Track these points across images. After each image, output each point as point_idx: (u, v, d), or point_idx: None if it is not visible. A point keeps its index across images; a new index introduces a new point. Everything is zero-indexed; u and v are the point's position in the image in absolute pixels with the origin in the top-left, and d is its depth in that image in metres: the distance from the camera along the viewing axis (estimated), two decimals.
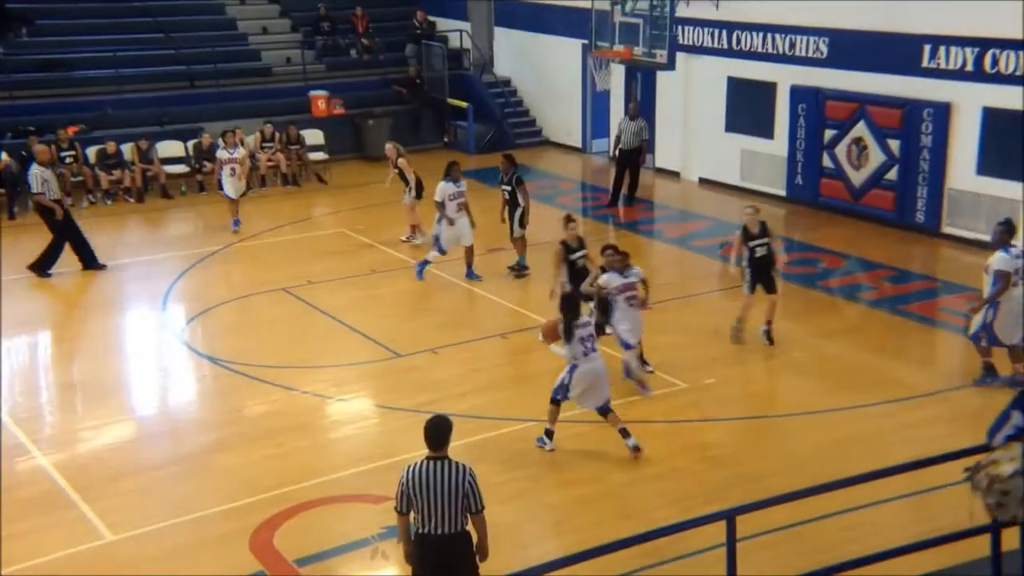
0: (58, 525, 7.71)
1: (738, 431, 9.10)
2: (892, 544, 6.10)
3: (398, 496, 5.73)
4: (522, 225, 12.93)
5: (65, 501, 8.05)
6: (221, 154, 15.19)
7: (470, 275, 12.89)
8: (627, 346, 9.64)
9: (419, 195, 14.23)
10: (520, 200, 12.91)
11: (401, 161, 14.26)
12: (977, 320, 9.40)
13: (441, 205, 12.63)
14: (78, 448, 9.10)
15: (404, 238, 14.47)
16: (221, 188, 15.38)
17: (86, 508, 7.92)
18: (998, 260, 9.09)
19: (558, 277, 10.35)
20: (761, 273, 10.66)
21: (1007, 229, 9.23)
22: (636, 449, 8.46)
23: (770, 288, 10.73)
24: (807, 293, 12.66)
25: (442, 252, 12.81)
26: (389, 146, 14.73)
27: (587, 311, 9.51)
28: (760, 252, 10.57)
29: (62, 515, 7.86)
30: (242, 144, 17.30)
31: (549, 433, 8.71)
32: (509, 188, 12.90)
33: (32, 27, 19.39)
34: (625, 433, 8.49)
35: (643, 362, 10.02)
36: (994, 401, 9.46)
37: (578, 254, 10.37)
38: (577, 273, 10.32)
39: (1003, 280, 8.99)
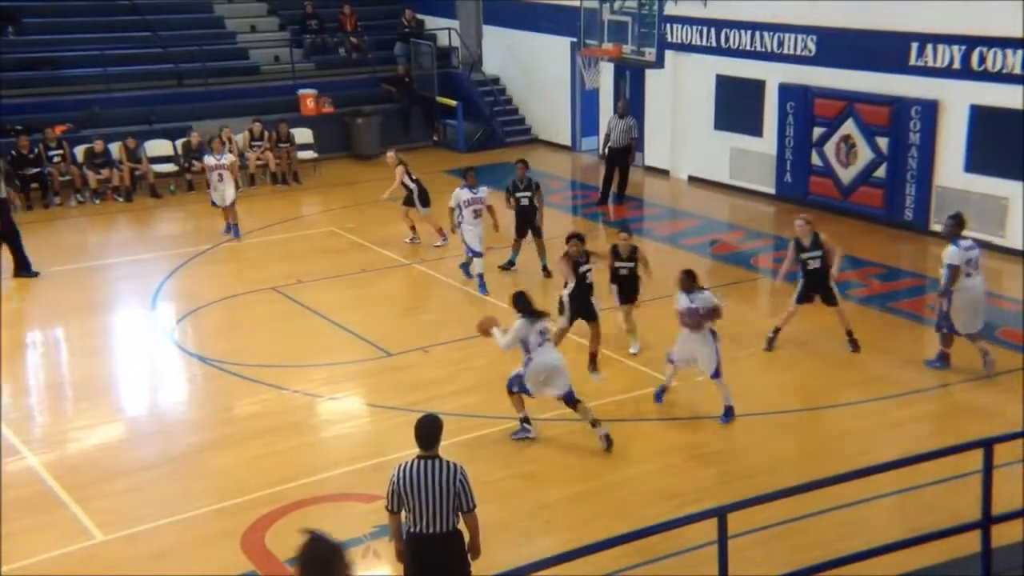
0: (49, 526, 7.68)
1: (728, 429, 9.13)
2: (882, 541, 6.13)
3: (389, 495, 5.73)
4: (541, 226, 12.90)
5: (56, 502, 8.03)
6: (208, 160, 14.63)
7: (465, 271, 12.87)
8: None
9: (425, 203, 13.93)
10: (537, 203, 12.88)
11: (399, 169, 13.91)
12: (937, 311, 9.79)
13: (454, 211, 12.48)
14: (69, 448, 9.07)
15: (408, 240, 14.23)
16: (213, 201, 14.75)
17: (77, 509, 7.90)
18: (948, 254, 9.47)
19: (569, 283, 10.01)
20: (816, 286, 10.38)
21: (956, 223, 9.57)
22: (607, 440, 8.53)
23: (830, 300, 10.46)
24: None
25: (476, 254, 12.41)
26: (390, 155, 14.48)
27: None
28: (813, 264, 10.34)
29: (53, 516, 7.83)
30: (230, 148, 17.25)
31: (524, 420, 8.81)
32: (528, 195, 12.87)
33: (19, 26, 19.29)
34: (596, 424, 8.59)
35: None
36: (983, 397, 9.56)
37: (584, 267, 10.12)
38: (585, 286, 10.11)
39: (952, 273, 9.36)
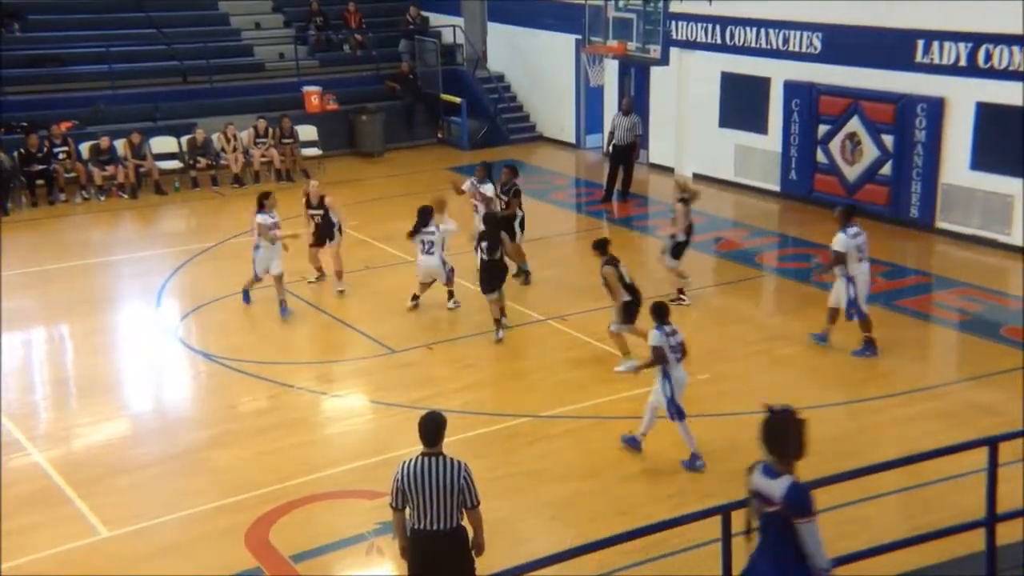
0: (53, 522, 7.70)
1: (732, 426, 9.12)
2: (887, 539, 6.13)
3: (393, 492, 5.74)
4: (521, 231, 12.88)
5: (60, 497, 8.05)
6: (263, 219, 11.53)
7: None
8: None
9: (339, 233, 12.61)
10: (519, 209, 12.89)
11: (328, 200, 12.42)
12: (842, 300, 10.14)
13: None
14: (73, 445, 9.09)
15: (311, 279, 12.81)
16: (257, 274, 11.73)
17: (81, 504, 7.92)
18: (836, 241, 9.99)
19: (619, 298, 10.06)
20: None
21: (846, 212, 10.16)
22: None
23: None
24: (801, 288, 12.68)
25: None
26: (314, 184, 12.93)
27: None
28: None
29: (57, 512, 7.85)
30: (235, 144, 17.18)
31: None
32: (506, 199, 12.86)
33: (24, 23, 19.31)
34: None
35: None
36: (987, 395, 9.54)
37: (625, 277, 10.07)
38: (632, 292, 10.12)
39: (836, 257, 9.98)
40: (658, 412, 8.45)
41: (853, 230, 9.98)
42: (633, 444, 8.59)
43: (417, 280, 11.78)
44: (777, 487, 4.52)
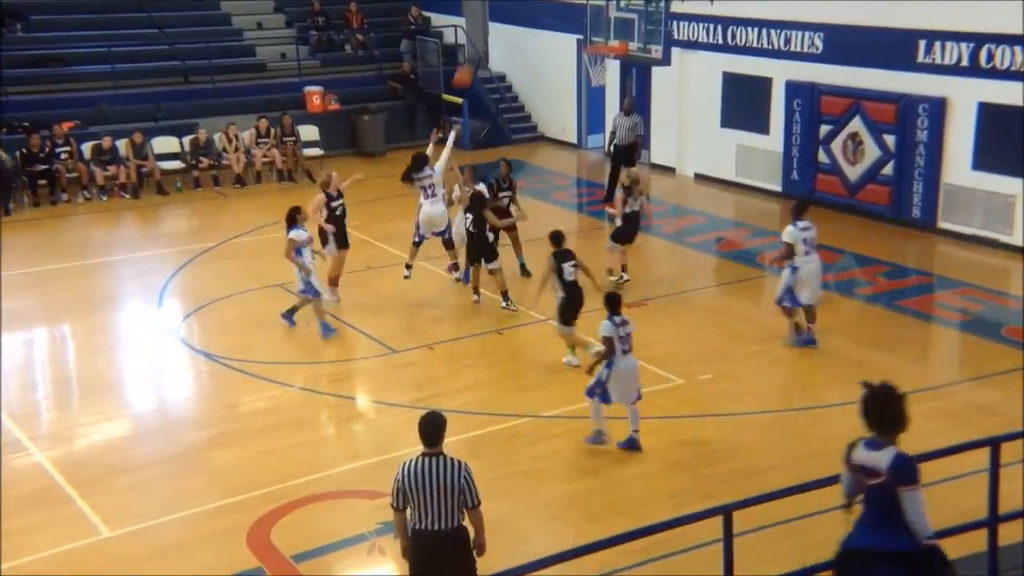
0: (54, 522, 7.71)
1: (734, 426, 9.12)
2: None
3: (394, 492, 5.73)
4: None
5: (61, 497, 8.05)
6: (297, 234, 10.84)
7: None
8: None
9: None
10: (514, 204, 12.93)
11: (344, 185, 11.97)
12: (780, 286, 10.54)
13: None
14: (74, 444, 9.10)
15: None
16: (307, 290, 10.93)
17: (83, 504, 7.92)
18: (785, 233, 10.45)
19: (541, 288, 10.37)
20: None
21: (797, 206, 10.64)
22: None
23: None
24: None
25: None
26: (335, 174, 12.17)
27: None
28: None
29: (58, 511, 7.86)
30: (236, 144, 17.20)
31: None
32: (509, 195, 12.88)
33: (26, 23, 19.32)
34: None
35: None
36: (988, 395, 9.53)
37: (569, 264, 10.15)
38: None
39: (785, 249, 10.40)
40: (635, 405, 8.59)
41: (803, 223, 10.35)
42: (632, 446, 8.59)
43: (411, 245, 12.09)
44: (882, 458, 4.77)
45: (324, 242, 11.77)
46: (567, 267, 10.02)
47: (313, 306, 11.09)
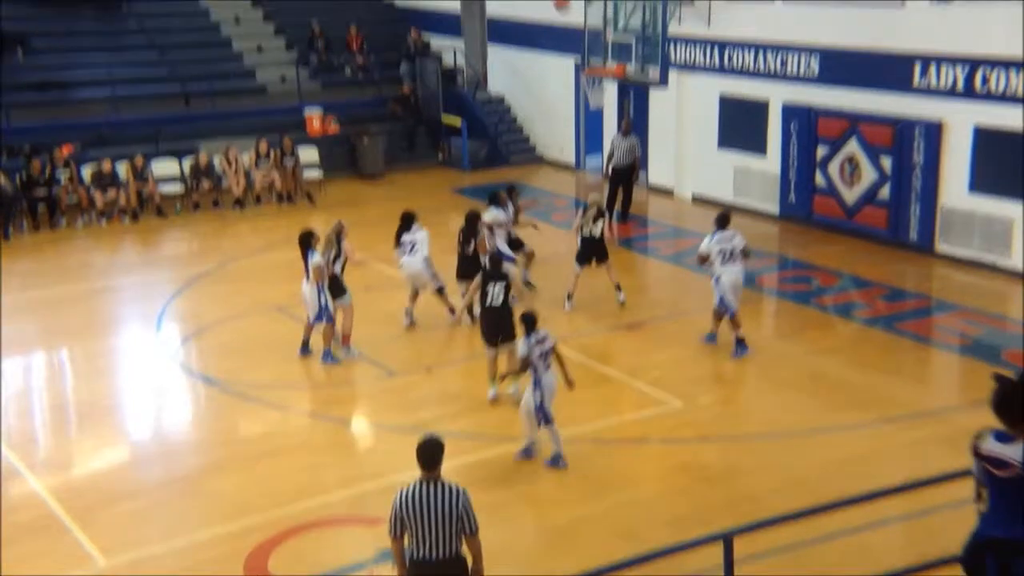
0: (51, 550, 7.66)
1: (734, 450, 9.09)
2: (890, 566, 6.09)
3: (391, 520, 5.71)
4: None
5: (59, 526, 8.00)
6: (318, 260, 10.69)
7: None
8: None
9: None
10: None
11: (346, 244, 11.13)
12: (715, 297, 10.95)
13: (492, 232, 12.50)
14: (72, 472, 9.05)
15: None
16: (320, 316, 10.82)
17: (79, 533, 7.87)
18: (703, 243, 11.00)
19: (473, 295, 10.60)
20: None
21: (717, 217, 11.12)
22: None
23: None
24: (801, 310, 12.69)
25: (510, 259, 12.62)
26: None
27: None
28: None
29: (56, 540, 7.81)
30: (236, 167, 17.21)
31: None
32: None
33: (28, 48, 19.42)
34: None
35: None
36: (988, 420, 9.49)
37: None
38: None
39: (697, 258, 11.08)
40: (533, 418, 8.64)
41: (719, 235, 10.81)
42: (527, 455, 8.75)
43: (408, 294, 11.99)
44: (1013, 451, 4.83)
45: (336, 293, 10.94)
46: (492, 288, 9.83)
47: (323, 331, 11.01)
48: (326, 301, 10.78)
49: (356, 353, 11.14)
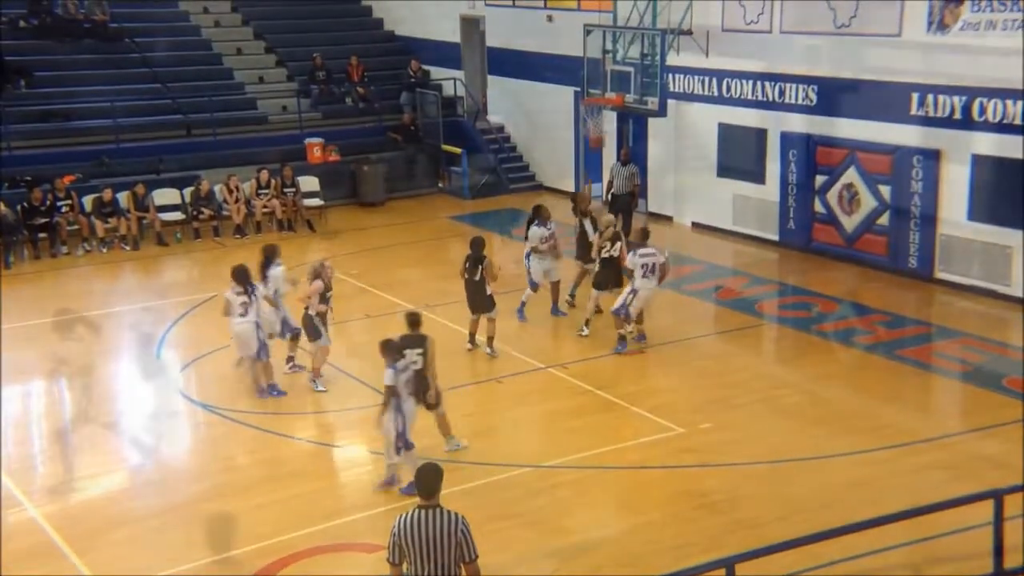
0: None
1: (736, 477, 9.05)
2: None
3: (390, 547, 5.67)
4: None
5: (56, 553, 7.95)
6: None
7: (555, 311, 13.21)
8: None
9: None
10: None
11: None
12: (619, 301, 11.82)
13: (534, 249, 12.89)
14: (70, 499, 9.00)
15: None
16: (284, 332, 11.30)
17: (77, 559, 7.83)
18: (628, 259, 11.87)
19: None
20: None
21: (638, 235, 12.11)
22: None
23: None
24: (802, 337, 12.67)
25: (534, 288, 12.99)
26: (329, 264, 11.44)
27: None
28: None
29: (53, 568, 7.75)
30: (237, 196, 17.24)
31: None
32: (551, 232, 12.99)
33: (31, 79, 19.57)
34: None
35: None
36: (990, 447, 9.47)
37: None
38: None
39: (628, 272, 11.89)
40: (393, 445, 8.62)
41: (642, 251, 11.72)
42: (390, 484, 8.72)
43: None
44: None
45: (312, 336, 10.97)
46: (410, 354, 9.06)
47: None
48: (285, 315, 11.24)
49: (325, 389, 11.06)
